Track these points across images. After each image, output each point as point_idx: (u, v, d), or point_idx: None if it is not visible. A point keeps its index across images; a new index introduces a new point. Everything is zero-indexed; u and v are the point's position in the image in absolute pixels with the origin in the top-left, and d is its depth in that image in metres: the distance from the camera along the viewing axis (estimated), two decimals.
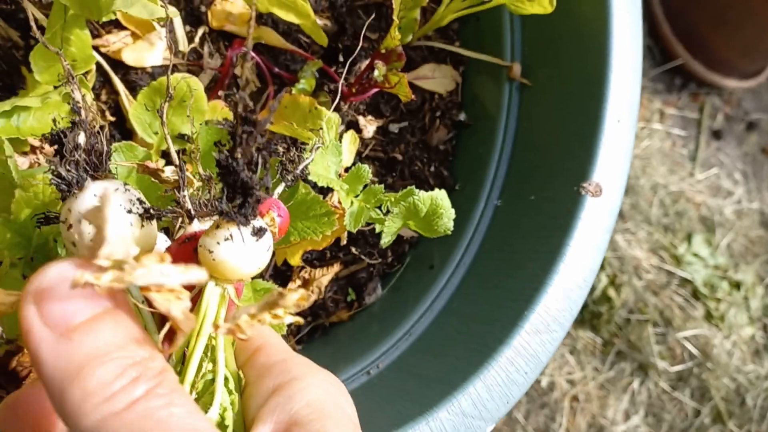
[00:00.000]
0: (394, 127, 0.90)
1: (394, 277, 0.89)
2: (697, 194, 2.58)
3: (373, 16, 0.90)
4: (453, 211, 0.68)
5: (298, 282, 0.84)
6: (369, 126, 0.88)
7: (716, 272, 2.51)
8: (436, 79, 0.93)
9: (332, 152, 0.66)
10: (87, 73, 0.72)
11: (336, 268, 0.86)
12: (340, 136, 0.78)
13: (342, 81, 0.82)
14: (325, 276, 0.85)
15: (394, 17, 0.72)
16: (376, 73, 0.76)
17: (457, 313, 0.78)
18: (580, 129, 0.78)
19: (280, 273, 0.84)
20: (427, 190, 0.90)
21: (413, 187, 0.68)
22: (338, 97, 0.71)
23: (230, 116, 0.80)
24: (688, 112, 2.67)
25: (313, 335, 0.87)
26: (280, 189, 0.58)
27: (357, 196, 0.68)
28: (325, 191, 0.76)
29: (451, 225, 0.69)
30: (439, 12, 0.82)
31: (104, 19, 0.62)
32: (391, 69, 0.80)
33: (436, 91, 0.92)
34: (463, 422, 0.65)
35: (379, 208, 0.69)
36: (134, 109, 0.70)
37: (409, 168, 0.90)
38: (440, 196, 0.68)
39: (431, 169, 0.91)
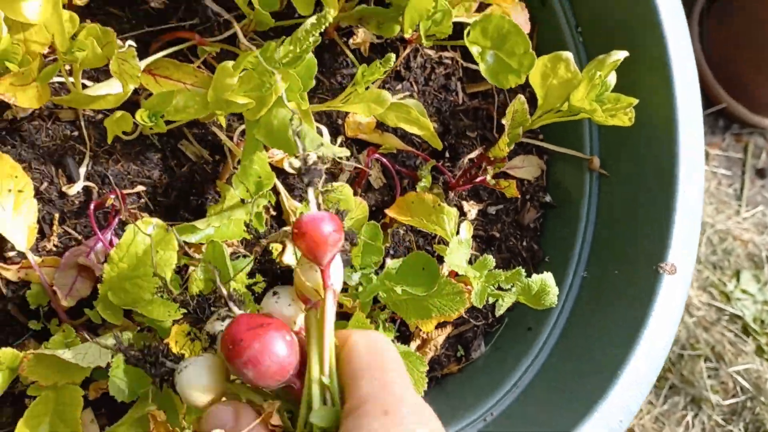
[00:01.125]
0: (491, 210, 1.08)
1: (495, 335, 1.06)
2: (743, 232, 2.69)
3: (472, 118, 1.09)
4: (557, 289, 0.86)
5: (418, 341, 1.02)
6: (472, 209, 1.06)
7: (765, 308, 2.60)
8: (525, 168, 1.11)
9: (464, 247, 0.84)
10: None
11: (449, 329, 1.03)
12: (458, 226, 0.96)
13: (450, 174, 1.01)
14: (440, 336, 1.03)
15: (505, 135, 0.90)
16: (487, 178, 0.94)
17: (557, 369, 0.95)
18: (655, 216, 0.95)
19: (402, 335, 1.02)
20: (520, 262, 1.08)
21: (521, 268, 0.86)
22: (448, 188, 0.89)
23: (366, 210, 0.99)
24: (732, 152, 2.79)
25: (429, 385, 1.04)
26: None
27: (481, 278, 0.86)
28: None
29: (555, 300, 0.86)
30: (532, 119, 1.00)
31: None
32: (497, 167, 0.98)
33: (525, 178, 1.10)
34: None
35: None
36: (301, 210, 0.89)
37: (505, 243, 1.08)
38: (548, 278, 0.86)
39: (524, 244, 1.08)
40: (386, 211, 0.96)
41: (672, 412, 2.39)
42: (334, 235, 0.58)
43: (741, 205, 2.72)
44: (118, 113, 0.78)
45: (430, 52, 1.08)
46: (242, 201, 0.88)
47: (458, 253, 0.84)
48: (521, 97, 0.89)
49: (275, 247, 0.81)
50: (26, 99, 0.71)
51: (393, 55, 0.80)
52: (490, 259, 0.85)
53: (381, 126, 1.05)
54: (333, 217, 0.59)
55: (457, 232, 0.93)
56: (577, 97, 0.88)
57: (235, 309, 0.65)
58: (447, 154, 1.07)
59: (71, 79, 0.78)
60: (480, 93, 1.11)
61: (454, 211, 0.91)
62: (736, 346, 2.49)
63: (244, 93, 0.76)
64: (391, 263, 0.88)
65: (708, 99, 2.67)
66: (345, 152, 0.76)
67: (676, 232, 0.92)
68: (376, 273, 0.92)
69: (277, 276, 0.76)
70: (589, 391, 0.88)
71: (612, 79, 0.91)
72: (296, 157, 0.63)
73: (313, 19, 0.87)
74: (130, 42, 0.75)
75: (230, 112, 0.78)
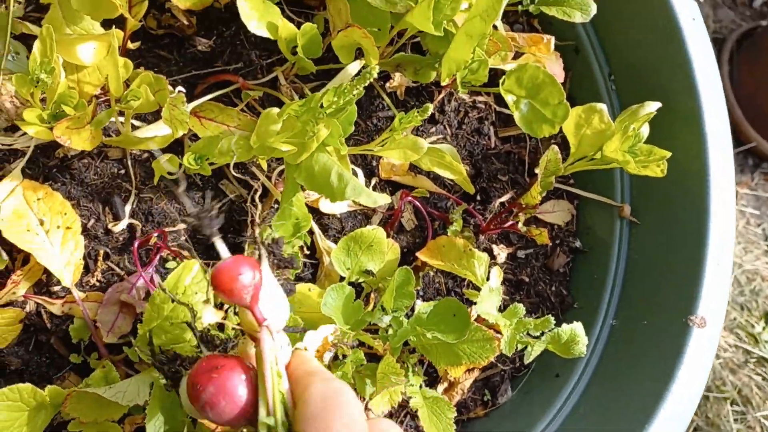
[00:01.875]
0: (521, 254, 1.09)
1: (522, 380, 1.07)
2: None
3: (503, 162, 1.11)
4: (587, 339, 0.86)
5: (446, 384, 1.03)
6: (501, 253, 1.07)
7: None
8: (556, 212, 1.12)
9: (495, 294, 0.85)
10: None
11: (476, 373, 1.04)
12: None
13: (480, 217, 1.02)
14: (467, 380, 1.03)
15: (537, 184, 0.92)
16: (519, 225, 0.96)
17: (585, 418, 0.95)
18: (685, 267, 0.95)
19: (430, 376, 1.02)
20: (549, 308, 1.09)
21: (550, 316, 0.87)
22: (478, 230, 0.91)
23: (398, 252, 1.00)
24: (761, 191, 2.76)
25: (456, 429, 1.04)
26: None
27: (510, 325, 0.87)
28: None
29: (584, 350, 0.87)
30: (564, 166, 1.01)
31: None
32: (527, 213, 0.99)
33: (556, 223, 1.11)
34: None
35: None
36: (336, 252, 0.91)
37: (534, 288, 1.09)
38: (577, 328, 0.86)
39: (553, 289, 1.09)
40: (417, 254, 0.98)
41: None
42: (243, 277, 0.58)
43: None
44: (166, 156, 0.81)
45: (464, 96, 1.10)
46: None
47: (489, 301, 0.85)
48: (555, 148, 0.91)
49: None
50: (80, 142, 0.74)
51: (430, 105, 0.82)
52: (521, 308, 0.86)
53: (414, 168, 1.07)
54: (238, 261, 0.59)
55: (488, 278, 0.94)
56: (611, 148, 0.89)
57: (204, 350, 0.67)
58: (478, 197, 1.09)
59: (121, 120, 0.82)
60: (512, 137, 1.13)
61: (485, 256, 0.92)
62: (764, 389, 2.45)
63: (287, 139, 0.79)
64: (421, 307, 0.89)
65: (737, 137, 2.66)
66: (387, 199, 0.78)
67: (706, 285, 0.92)
68: (407, 315, 0.93)
69: None
70: None
71: (645, 130, 0.92)
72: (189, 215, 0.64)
73: (356, 67, 0.91)
74: (180, 88, 0.78)
75: (272, 156, 0.80)
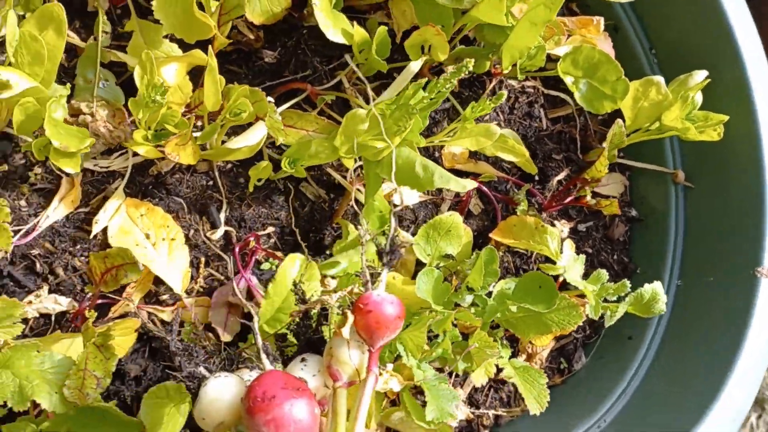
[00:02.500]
0: (581, 227, 1.14)
1: (594, 346, 1.12)
2: None
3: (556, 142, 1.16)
4: (666, 297, 0.92)
5: (524, 356, 1.08)
6: (564, 228, 1.12)
7: None
8: (610, 185, 1.17)
9: (579, 263, 0.91)
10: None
11: (552, 343, 1.09)
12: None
13: (541, 196, 1.07)
14: (544, 350, 1.08)
15: (604, 157, 0.97)
16: (587, 198, 1.01)
17: (662, 378, 1.00)
18: (746, 223, 1.00)
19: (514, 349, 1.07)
20: (612, 275, 1.14)
21: (626, 280, 0.93)
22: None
23: (471, 236, 1.05)
24: None
25: None
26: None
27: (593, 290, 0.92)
28: None
29: (664, 308, 0.92)
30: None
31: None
32: (591, 187, 1.05)
33: (611, 195, 1.16)
34: None
35: None
36: (417, 239, 0.95)
37: (597, 258, 1.14)
38: (657, 286, 0.92)
39: (614, 258, 1.14)
40: (491, 235, 1.03)
41: None
42: (398, 321, 0.59)
43: None
44: (263, 163, 0.86)
45: (513, 83, 1.15)
46: (368, 236, 0.95)
47: (574, 270, 0.90)
48: (619, 122, 0.95)
49: (315, 313, 0.82)
50: (186, 157, 0.79)
51: (504, 93, 0.87)
52: (604, 273, 0.91)
53: (473, 155, 1.12)
54: (400, 303, 0.60)
55: (561, 251, 0.99)
56: (671, 117, 0.94)
57: (266, 363, 0.64)
58: (536, 177, 1.14)
59: (215, 137, 0.86)
60: (561, 117, 1.18)
61: (557, 231, 0.98)
62: None
63: (373, 137, 0.84)
64: (501, 284, 0.94)
65: None
66: (473, 184, 0.83)
67: None
68: (488, 294, 0.98)
69: (310, 343, 0.78)
70: (701, 392, 0.93)
71: (699, 98, 0.97)
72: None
73: (418, 65, 0.95)
74: (270, 98, 0.82)
75: (360, 155, 0.85)
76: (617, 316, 0.93)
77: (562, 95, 1.17)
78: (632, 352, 1.06)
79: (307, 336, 0.78)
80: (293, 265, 0.83)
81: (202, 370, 0.70)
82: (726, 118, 0.94)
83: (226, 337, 0.85)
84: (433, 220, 0.96)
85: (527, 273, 0.91)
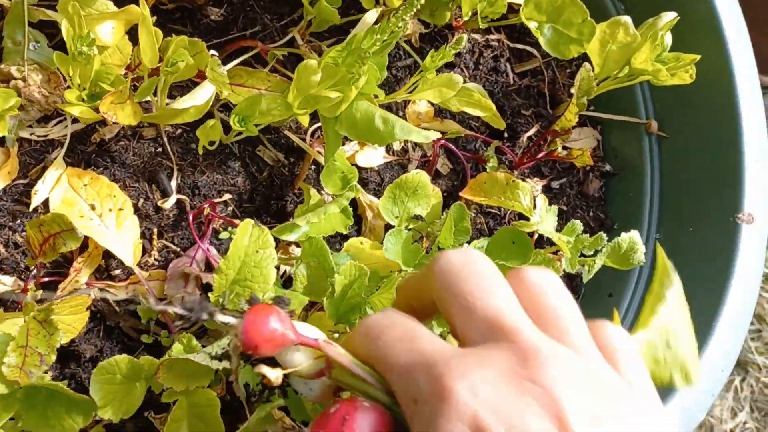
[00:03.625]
0: (555, 184, 1.10)
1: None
2: None
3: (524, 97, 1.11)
4: (644, 246, 0.88)
5: None
6: (537, 185, 1.08)
7: None
8: (582, 140, 1.13)
9: (552, 214, 0.86)
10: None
11: None
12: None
13: (512, 153, 1.03)
14: None
15: (573, 104, 0.92)
16: (558, 149, 0.96)
17: None
18: (724, 171, 0.96)
19: None
20: (589, 231, 1.10)
21: (602, 233, 0.88)
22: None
23: (440, 197, 1.01)
24: None
25: None
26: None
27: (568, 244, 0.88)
28: None
29: (643, 258, 0.88)
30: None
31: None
32: (561, 140, 1.00)
33: (583, 149, 1.12)
34: None
35: None
36: (383, 201, 0.91)
37: (573, 215, 1.10)
38: (635, 235, 0.88)
39: (591, 214, 1.10)
40: (461, 194, 0.98)
41: None
42: (273, 320, 0.49)
43: None
44: (211, 122, 0.80)
45: (477, 37, 1.10)
46: (331, 197, 0.90)
47: (548, 221, 0.86)
48: (587, 65, 0.91)
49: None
50: (125, 117, 0.73)
51: (464, 36, 0.82)
52: (578, 224, 0.87)
53: (439, 113, 1.07)
54: (258, 311, 0.49)
55: (534, 206, 0.95)
56: (640, 59, 0.90)
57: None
58: (506, 134, 1.09)
59: (156, 98, 0.81)
60: (529, 71, 1.13)
61: (528, 185, 0.93)
62: None
63: (327, 90, 0.78)
64: (476, 244, 0.90)
65: None
66: (436, 134, 0.78)
67: (748, 182, 0.93)
68: None
69: None
70: None
71: (668, 39, 0.93)
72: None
73: (373, 16, 0.90)
74: (212, 51, 0.77)
75: (315, 109, 0.80)
76: (595, 269, 0.89)
77: (529, 48, 1.13)
78: (613, 309, 1.02)
79: None
80: (246, 233, 0.78)
81: None
82: (697, 57, 0.90)
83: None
84: (399, 179, 0.91)
85: (500, 229, 0.87)
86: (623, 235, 0.86)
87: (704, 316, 0.89)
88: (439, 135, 0.80)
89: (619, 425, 0.37)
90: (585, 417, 0.36)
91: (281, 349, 0.49)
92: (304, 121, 0.83)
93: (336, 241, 0.98)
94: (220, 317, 0.52)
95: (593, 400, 0.38)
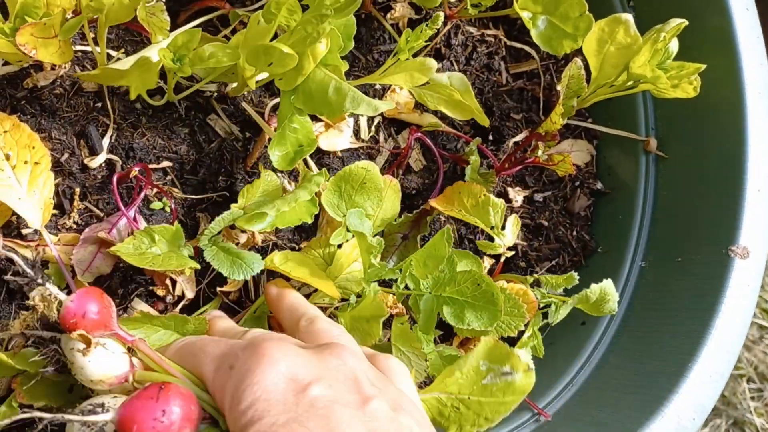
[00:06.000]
0: (539, 197, 1.01)
1: (544, 331, 0.98)
2: None
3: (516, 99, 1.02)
4: (617, 296, 0.79)
5: (462, 337, 0.94)
6: (518, 196, 0.99)
7: None
8: (574, 152, 1.03)
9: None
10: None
11: None
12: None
13: (494, 158, 0.94)
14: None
15: (559, 104, 0.83)
16: (540, 153, 0.87)
17: (617, 366, 0.86)
18: (723, 198, 0.87)
19: (442, 328, 0.94)
20: (570, 253, 1.00)
21: (574, 273, 0.81)
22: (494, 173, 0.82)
23: (398, 189, 0.90)
24: None
25: None
26: None
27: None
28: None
29: (615, 307, 0.80)
30: (584, 96, 0.93)
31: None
32: (546, 147, 0.91)
33: (575, 164, 1.03)
34: None
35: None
36: (325, 195, 0.81)
37: (554, 233, 1.00)
38: (608, 286, 0.79)
39: (574, 234, 1.00)
40: (431, 202, 0.88)
41: None
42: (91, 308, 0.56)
43: None
44: (144, 60, 0.70)
45: (472, 29, 1.02)
46: (274, 171, 0.80)
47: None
48: (577, 61, 0.82)
49: None
50: (47, 54, 0.66)
51: (441, 14, 0.74)
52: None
53: (420, 106, 0.98)
54: (83, 295, 0.55)
55: (503, 227, 0.85)
56: (639, 62, 0.81)
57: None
58: (491, 137, 1.01)
59: (98, 49, 0.73)
60: (525, 73, 1.05)
61: (501, 203, 0.84)
62: None
63: (279, 43, 0.70)
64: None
65: None
66: (390, 105, 0.70)
67: (747, 213, 0.84)
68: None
69: None
70: (656, 389, 0.79)
71: (674, 45, 0.84)
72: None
73: None
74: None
75: (267, 63, 0.71)
76: (561, 315, 0.81)
77: (527, 48, 1.04)
78: (585, 339, 0.93)
79: None
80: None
81: None
82: (702, 66, 0.81)
83: (85, 278, 0.71)
84: (344, 170, 0.79)
85: (463, 272, 0.75)
86: (593, 286, 0.78)
87: (679, 359, 0.79)
88: (391, 105, 0.72)
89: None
90: (369, 382, 0.55)
91: (97, 332, 0.56)
92: (251, 83, 0.75)
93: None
94: (51, 288, 0.58)
95: (375, 374, 0.58)
